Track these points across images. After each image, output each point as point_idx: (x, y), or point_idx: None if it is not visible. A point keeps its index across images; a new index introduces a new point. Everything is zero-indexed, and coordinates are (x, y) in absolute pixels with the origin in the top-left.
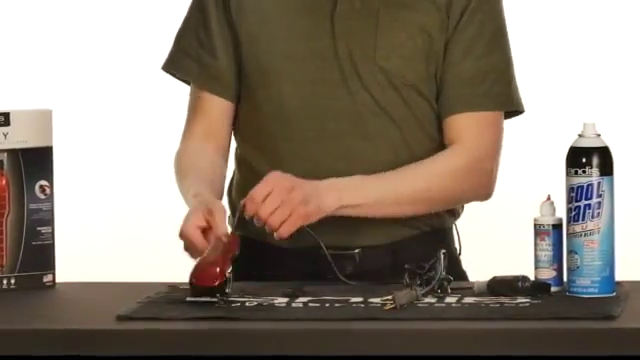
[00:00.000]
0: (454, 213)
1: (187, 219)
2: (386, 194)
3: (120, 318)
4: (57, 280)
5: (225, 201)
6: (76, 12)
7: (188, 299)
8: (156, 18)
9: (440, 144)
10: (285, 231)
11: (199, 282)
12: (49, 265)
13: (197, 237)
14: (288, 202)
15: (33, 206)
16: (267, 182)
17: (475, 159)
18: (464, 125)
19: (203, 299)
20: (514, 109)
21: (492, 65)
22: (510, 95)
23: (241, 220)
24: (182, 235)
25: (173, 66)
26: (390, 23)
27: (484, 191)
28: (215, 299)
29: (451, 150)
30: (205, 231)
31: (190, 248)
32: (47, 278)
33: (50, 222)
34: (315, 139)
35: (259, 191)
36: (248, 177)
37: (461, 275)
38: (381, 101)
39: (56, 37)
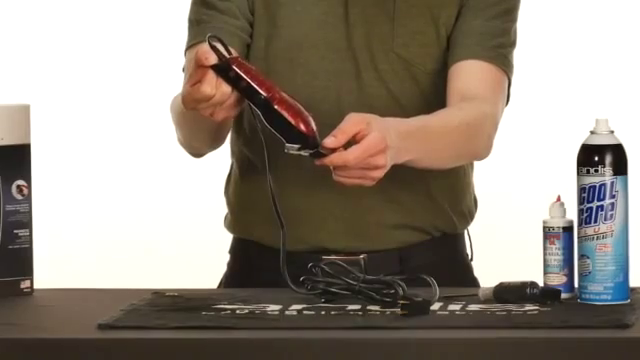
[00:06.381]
0: (466, 218)
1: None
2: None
3: (102, 327)
4: (35, 286)
5: (222, 200)
6: (55, 5)
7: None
8: (140, 13)
9: None
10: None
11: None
12: (27, 270)
13: (198, 89)
14: (368, 173)
15: (10, 207)
16: (358, 127)
17: (487, 115)
18: (476, 74)
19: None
20: (510, 81)
21: (502, 30)
22: (512, 65)
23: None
24: (186, 101)
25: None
26: (407, 9)
27: (485, 152)
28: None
29: (471, 103)
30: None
31: (203, 102)
32: (25, 284)
33: (28, 224)
34: (323, 136)
35: (350, 131)
36: (247, 175)
37: (473, 283)
38: (396, 93)
39: (34, 29)
